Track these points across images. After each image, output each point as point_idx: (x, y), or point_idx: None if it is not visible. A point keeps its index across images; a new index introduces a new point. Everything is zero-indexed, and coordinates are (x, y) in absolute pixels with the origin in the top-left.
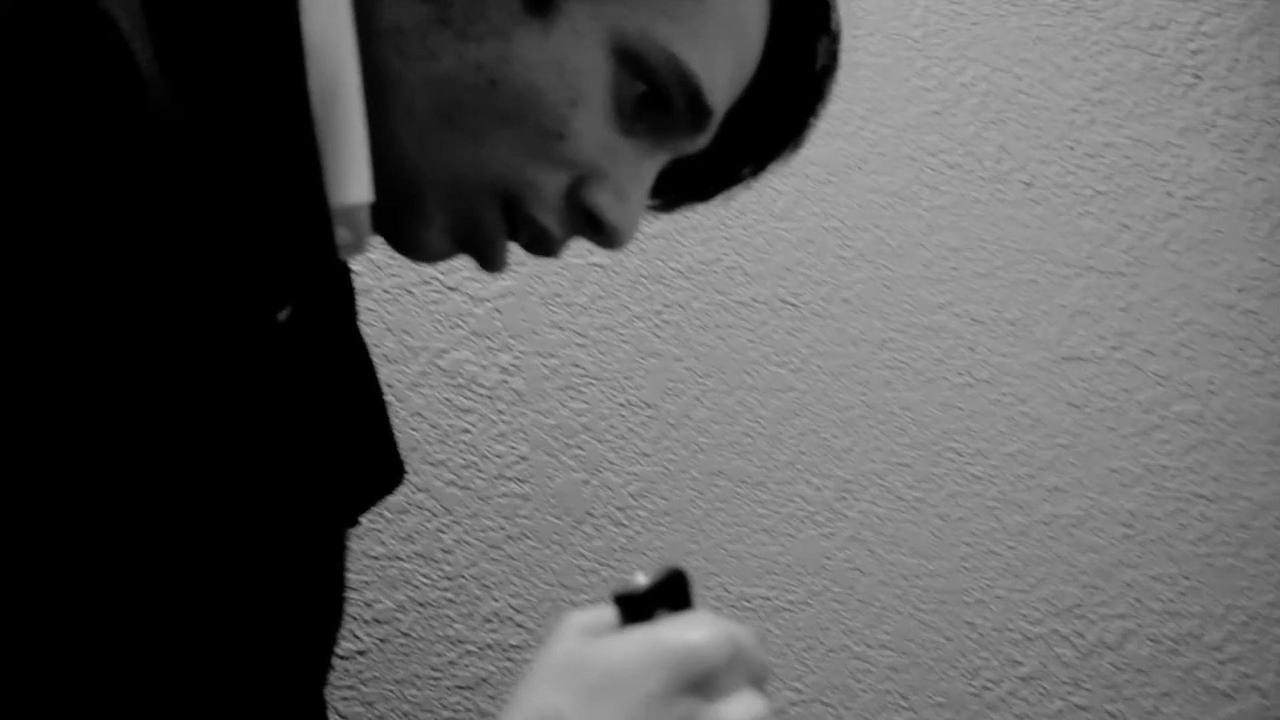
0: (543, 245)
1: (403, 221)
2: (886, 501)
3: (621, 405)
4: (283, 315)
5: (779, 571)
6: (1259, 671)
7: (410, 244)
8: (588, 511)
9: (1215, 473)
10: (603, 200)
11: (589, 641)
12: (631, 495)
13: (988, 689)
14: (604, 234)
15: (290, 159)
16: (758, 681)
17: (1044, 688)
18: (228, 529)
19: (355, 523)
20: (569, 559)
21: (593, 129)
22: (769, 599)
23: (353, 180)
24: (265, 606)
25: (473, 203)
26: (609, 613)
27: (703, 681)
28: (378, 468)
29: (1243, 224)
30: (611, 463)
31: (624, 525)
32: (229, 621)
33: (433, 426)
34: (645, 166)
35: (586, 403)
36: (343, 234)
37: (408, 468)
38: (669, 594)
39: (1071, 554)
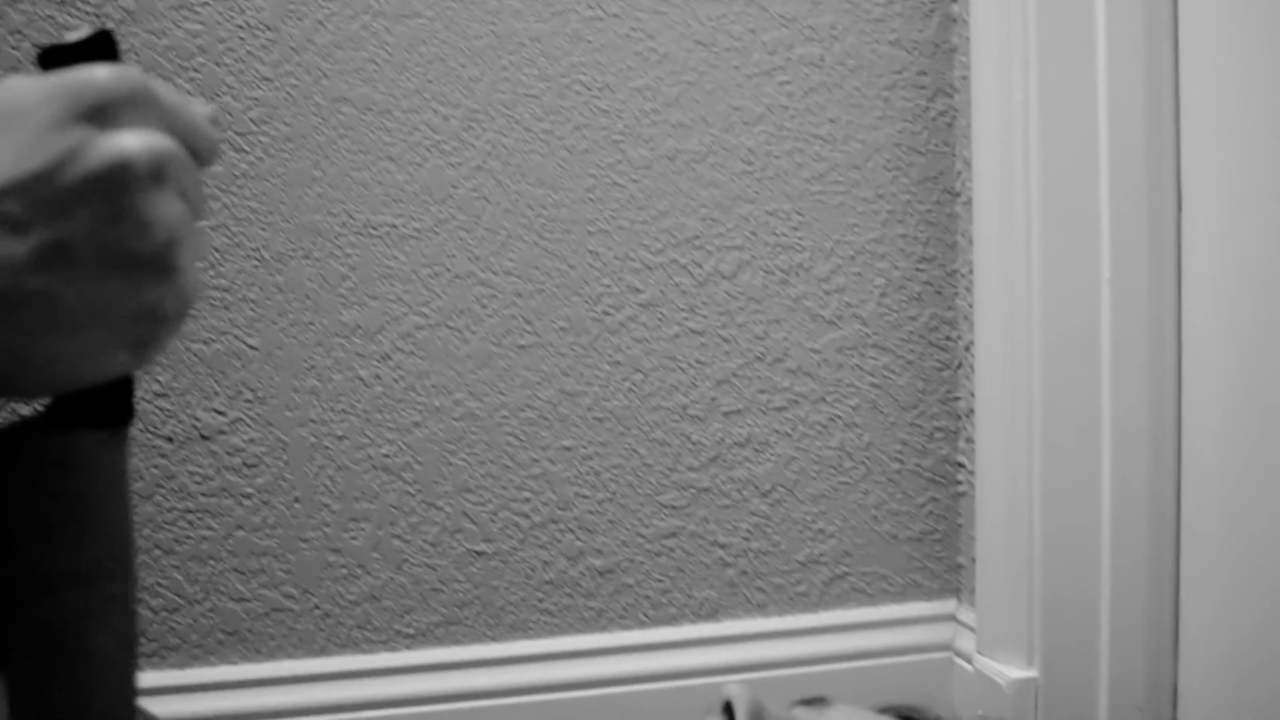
0: None
1: None
2: (514, 132)
3: (240, 27)
4: None
5: (405, 199)
6: (861, 302)
7: None
8: None
9: (832, 115)
10: None
11: None
12: (252, 121)
13: (609, 314)
14: None
15: None
16: (175, 131)
17: (662, 314)
18: None
19: None
20: None
21: None
22: (395, 226)
23: None
24: None
25: None
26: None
27: (99, 113)
28: None
29: None
30: (230, 87)
31: (245, 151)
32: None
33: (35, 46)
34: None
35: (202, 23)
36: None
37: None
38: (95, 53)
39: (693, 188)
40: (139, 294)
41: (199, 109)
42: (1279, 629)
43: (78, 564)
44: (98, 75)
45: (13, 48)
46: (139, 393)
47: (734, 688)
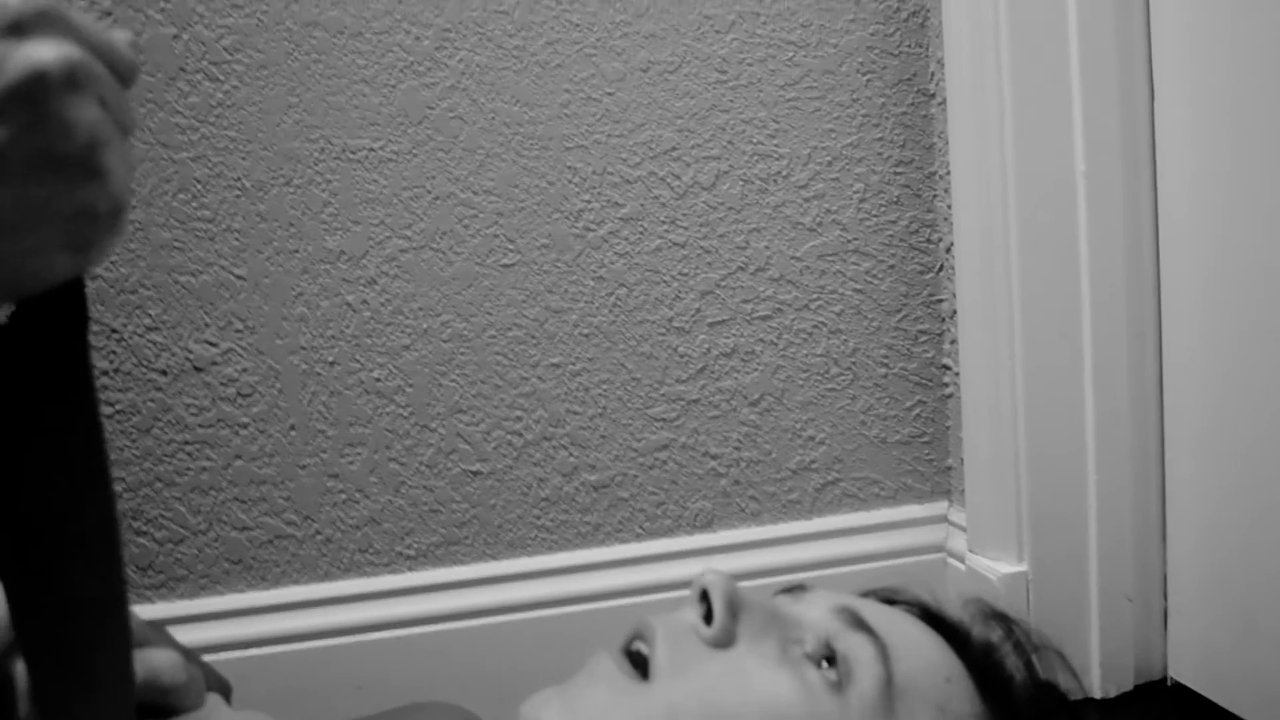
0: None
1: None
2: (486, 50)
3: None
4: None
5: (382, 122)
6: (840, 208)
7: None
8: (180, 67)
9: (804, 20)
10: None
11: None
12: (225, 49)
13: (590, 230)
14: None
15: None
16: (91, 48)
17: (643, 227)
18: None
19: None
20: (165, 117)
21: None
22: (374, 149)
23: None
24: None
25: None
26: None
27: (13, 29)
28: None
29: None
30: (201, 15)
31: (220, 80)
32: None
33: None
34: None
35: None
36: None
37: None
38: None
39: (668, 99)
40: (70, 195)
41: (117, 34)
42: (1262, 511)
43: (55, 466)
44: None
45: None
46: (131, 328)
47: (711, 575)
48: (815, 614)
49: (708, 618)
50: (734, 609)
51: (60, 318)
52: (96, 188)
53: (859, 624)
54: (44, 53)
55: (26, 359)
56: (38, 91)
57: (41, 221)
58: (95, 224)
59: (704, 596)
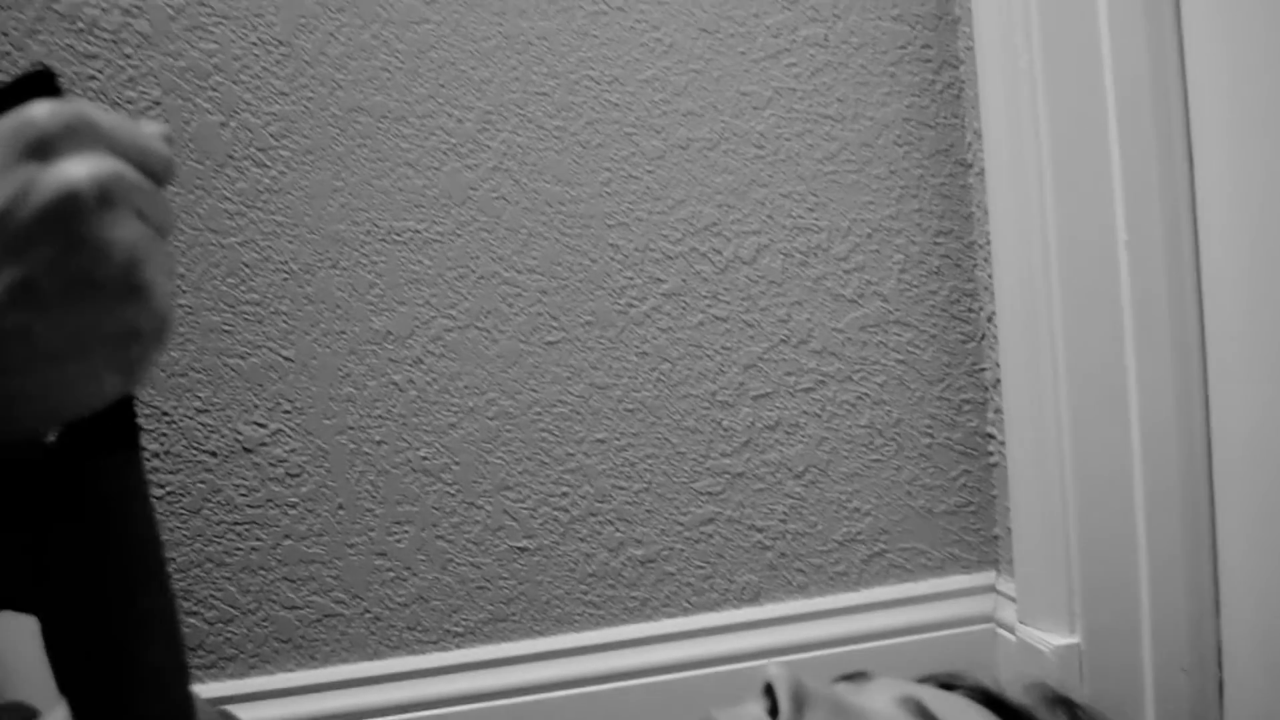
0: None
1: None
2: (528, 131)
3: (254, 44)
4: None
5: (426, 204)
6: (880, 279)
7: None
8: (228, 154)
9: (840, 94)
10: None
11: None
12: (272, 135)
13: (633, 306)
14: None
15: None
16: (123, 153)
17: (685, 302)
18: None
19: None
20: (213, 203)
21: None
22: (418, 231)
23: None
24: None
25: None
26: None
27: (41, 148)
28: None
29: None
30: (248, 103)
31: (267, 166)
32: None
33: (57, 75)
34: None
35: (217, 43)
36: None
37: None
38: (36, 92)
39: (707, 175)
40: (112, 317)
41: (149, 128)
42: None
43: (114, 583)
44: (35, 112)
45: None
46: (181, 410)
47: (775, 668)
48: (879, 704)
49: (773, 712)
50: (799, 702)
51: (110, 435)
52: (139, 306)
53: (924, 715)
54: (75, 172)
55: (76, 479)
56: (71, 215)
57: (84, 347)
58: (140, 342)
59: (768, 690)
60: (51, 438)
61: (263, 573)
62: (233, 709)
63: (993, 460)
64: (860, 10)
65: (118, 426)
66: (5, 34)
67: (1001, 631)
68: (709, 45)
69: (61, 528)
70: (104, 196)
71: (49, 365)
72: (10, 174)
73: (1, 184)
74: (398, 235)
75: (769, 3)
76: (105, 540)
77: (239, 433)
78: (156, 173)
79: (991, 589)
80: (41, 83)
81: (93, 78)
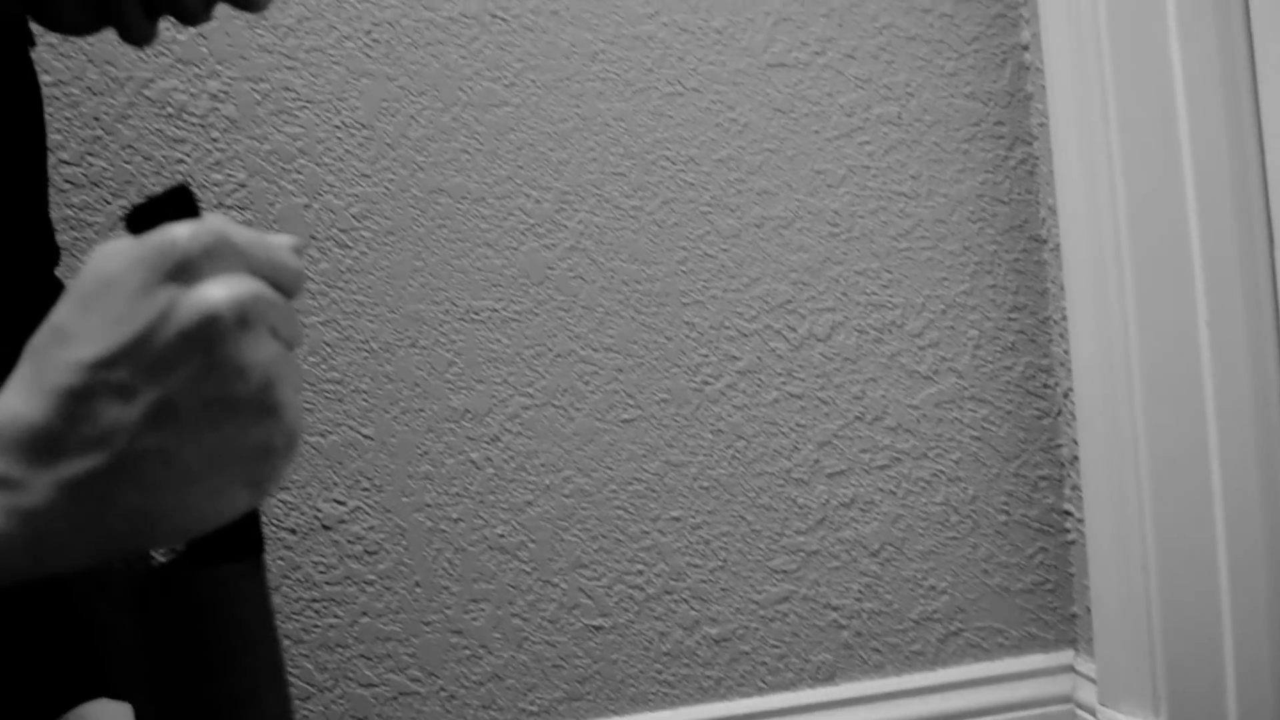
0: (182, 14)
1: None
2: (604, 210)
3: (337, 128)
4: None
5: (504, 283)
6: (955, 355)
7: (49, 16)
8: (311, 235)
9: (914, 171)
10: None
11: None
12: (354, 217)
13: (708, 383)
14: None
15: None
16: (258, 270)
17: (760, 379)
18: None
19: None
20: None
21: None
22: (497, 310)
23: None
24: None
25: None
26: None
27: (182, 271)
28: None
29: None
30: (331, 185)
31: (349, 247)
32: None
33: (145, 159)
34: None
35: (301, 126)
36: None
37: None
38: (175, 209)
39: (781, 253)
40: (247, 436)
41: (280, 241)
42: None
43: (233, 689)
44: (177, 235)
45: (125, 162)
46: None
47: None
48: None
49: None
50: None
51: (237, 544)
52: (273, 424)
53: None
54: (216, 296)
55: (203, 586)
56: (212, 338)
57: (219, 466)
58: (271, 460)
59: None
60: (180, 547)
61: (340, 650)
62: None
63: (1070, 538)
64: (933, 88)
65: (244, 536)
66: (97, 119)
67: (1081, 713)
68: (783, 125)
69: (188, 632)
70: (243, 319)
71: (185, 484)
72: (152, 297)
73: (144, 307)
74: (476, 314)
75: (842, 82)
76: (229, 647)
77: (318, 510)
78: (288, 287)
79: (1070, 669)
80: (180, 200)
81: (181, 161)
